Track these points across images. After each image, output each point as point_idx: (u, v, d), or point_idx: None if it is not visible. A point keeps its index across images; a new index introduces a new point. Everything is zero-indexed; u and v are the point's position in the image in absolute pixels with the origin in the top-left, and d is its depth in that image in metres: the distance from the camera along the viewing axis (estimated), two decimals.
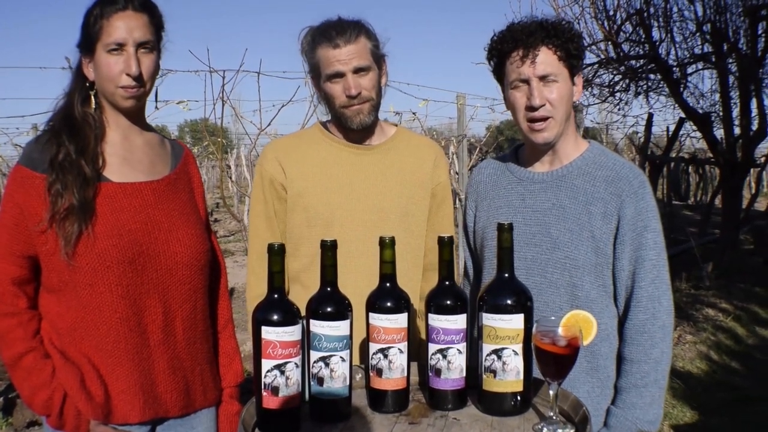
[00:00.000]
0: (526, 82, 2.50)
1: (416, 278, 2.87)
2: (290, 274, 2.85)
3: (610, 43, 10.17)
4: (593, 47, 10.49)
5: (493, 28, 2.60)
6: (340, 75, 2.70)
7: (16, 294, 2.37)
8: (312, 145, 2.89)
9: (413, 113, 11.62)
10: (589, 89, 11.32)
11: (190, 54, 6.02)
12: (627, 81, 10.89)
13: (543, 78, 2.49)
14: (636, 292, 2.50)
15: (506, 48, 2.54)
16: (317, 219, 2.78)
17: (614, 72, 10.83)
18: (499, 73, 2.63)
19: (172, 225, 2.47)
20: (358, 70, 2.70)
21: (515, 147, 2.84)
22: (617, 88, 11.01)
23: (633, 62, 10.48)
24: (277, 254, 2.00)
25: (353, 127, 2.77)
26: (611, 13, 9.89)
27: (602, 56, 10.48)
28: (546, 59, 2.48)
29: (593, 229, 2.50)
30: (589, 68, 10.86)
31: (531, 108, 2.50)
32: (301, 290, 2.75)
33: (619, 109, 11.69)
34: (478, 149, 10.55)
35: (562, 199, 2.57)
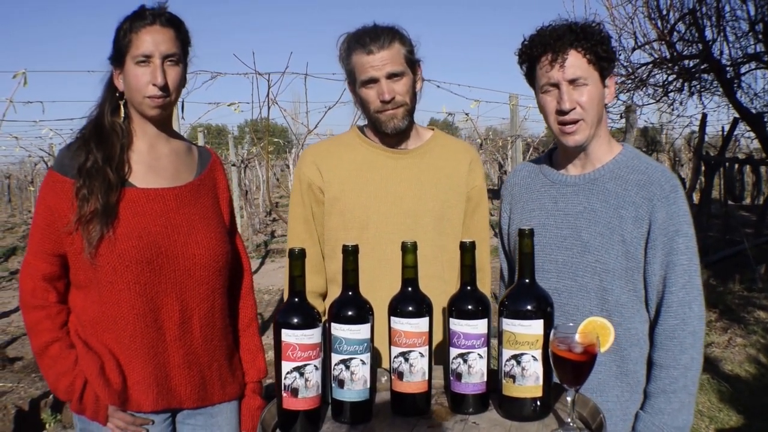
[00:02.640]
0: (556, 86, 2.50)
1: (451, 281, 2.87)
2: (328, 275, 2.91)
3: (663, 42, 10.01)
4: (646, 47, 10.36)
5: (522, 33, 2.60)
6: (374, 80, 2.74)
7: (46, 289, 2.53)
8: (349, 149, 2.93)
9: (466, 114, 11.60)
10: (644, 89, 11.18)
11: (245, 56, 6.11)
12: (681, 81, 10.71)
13: (573, 81, 2.48)
14: (667, 297, 2.48)
15: (535, 52, 2.54)
16: (353, 222, 2.83)
17: (668, 72, 10.67)
18: (531, 78, 2.63)
19: (192, 228, 2.57)
20: (391, 76, 2.74)
21: (550, 150, 2.84)
22: (670, 88, 10.84)
23: (686, 62, 10.31)
24: (297, 259, 2.05)
25: (388, 131, 2.80)
26: (664, 12, 9.74)
27: (656, 56, 10.33)
28: (575, 62, 2.47)
29: (624, 233, 2.49)
30: (643, 68, 10.73)
31: (561, 112, 2.50)
32: (339, 291, 2.79)
33: (672, 110, 11.50)
34: (531, 149, 10.49)
35: (594, 202, 2.56)
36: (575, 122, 2.50)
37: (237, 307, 2.83)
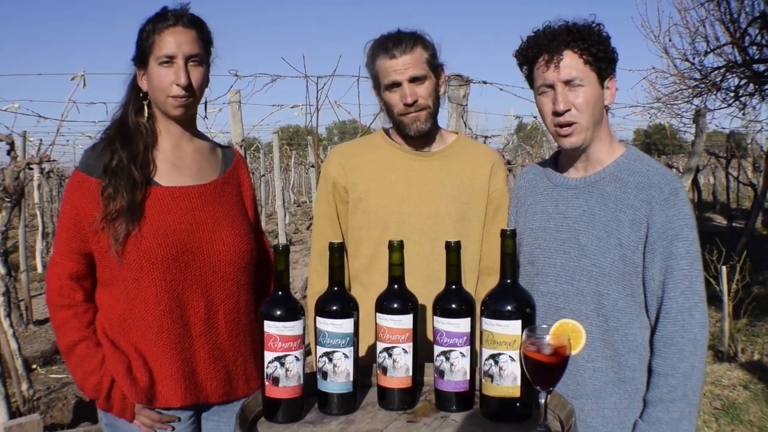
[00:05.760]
0: (552, 87, 2.50)
1: (471, 282, 2.93)
2: (351, 273, 2.99)
3: (735, 46, 9.82)
4: (718, 51, 10.18)
5: (520, 35, 2.62)
6: (396, 84, 2.82)
7: (73, 288, 2.61)
8: (374, 150, 3.01)
9: (534, 117, 11.53)
10: (716, 93, 10.98)
11: (300, 60, 6.23)
12: (752, 85, 10.48)
13: (568, 83, 2.48)
14: (665, 302, 2.45)
15: (531, 54, 2.55)
16: (375, 222, 2.90)
17: (740, 76, 10.45)
18: (530, 79, 2.63)
19: (217, 226, 2.63)
20: (414, 79, 2.81)
21: (556, 152, 2.84)
22: (742, 92, 10.61)
23: (758, 66, 10.08)
24: (281, 254, 2.13)
25: (411, 134, 2.87)
26: (735, 16, 9.54)
27: (726, 60, 10.14)
28: (571, 63, 2.47)
29: (621, 237, 2.47)
30: (716, 72, 10.53)
31: (556, 113, 2.50)
32: (361, 288, 2.89)
33: (744, 114, 11.26)
34: None
35: (593, 205, 2.55)
36: (570, 124, 2.50)
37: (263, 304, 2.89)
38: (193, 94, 2.59)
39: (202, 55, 2.62)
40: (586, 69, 2.48)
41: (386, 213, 2.89)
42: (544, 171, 2.79)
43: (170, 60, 2.53)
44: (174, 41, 2.53)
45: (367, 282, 2.88)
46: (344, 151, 3.08)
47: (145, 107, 2.64)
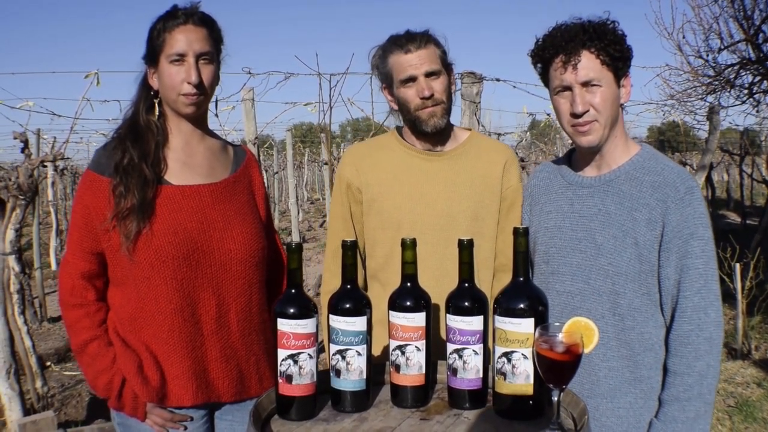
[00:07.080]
0: (569, 88, 2.49)
1: (487, 280, 2.94)
2: (369, 272, 3.01)
3: (748, 43, 9.78)
4: (732, 48, 10.15)
5: (535, 34, 2.60)
6: (413, 78, 2.83)
7: (85, 287, 2.61)
8: (386, 151, 3.02)
9: (547, 115, 11.50)
10: (729, 91, 10.94)
11: (313, 58, 6.24)
12: (767, 82, 10.43)
13: (585, 84, 2.46)
14: (681, 301, 2.44)
15: (548, 54, 2.53)
16: (389, 222, 2.91)
17: (754, 73, 10.41)
18: (545, 78, 2.62)
19: (228, 224, 2.63)
20: (429, 74, 2.82)
21: (569, 150, 2.82)
22: (755, 89, 10.56)
23: None
24: (294, 252, 2.14)
25: (427, 129, 2.87)
26: (749, 13, 9.50)
27: (740, 57, 10.10)
28: (588, 64, 2.46)
29: (637, 236, 2.46)
30: (730, 69, 10.49)
31: (574, 115, 2.49)
32: (379, 287, 2.91)
33: (757, 111, 11.22)
34: None
35: (608, 204, 2.54)
36: (588, 123, 2.49)
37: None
38: (204, 92, 2.59)
39: (213, 53, 2.62)
40: (603, 69, 2.47)
41: (399, 213, 2.90)
42: (558, 169, 2.78)
43: (181, 58, 2.54)
44: (185, 39, 2.54)
45: (386, 281, 2.89)
46: (357, 152, 3.10)
47: (156, 105, 2.65)
